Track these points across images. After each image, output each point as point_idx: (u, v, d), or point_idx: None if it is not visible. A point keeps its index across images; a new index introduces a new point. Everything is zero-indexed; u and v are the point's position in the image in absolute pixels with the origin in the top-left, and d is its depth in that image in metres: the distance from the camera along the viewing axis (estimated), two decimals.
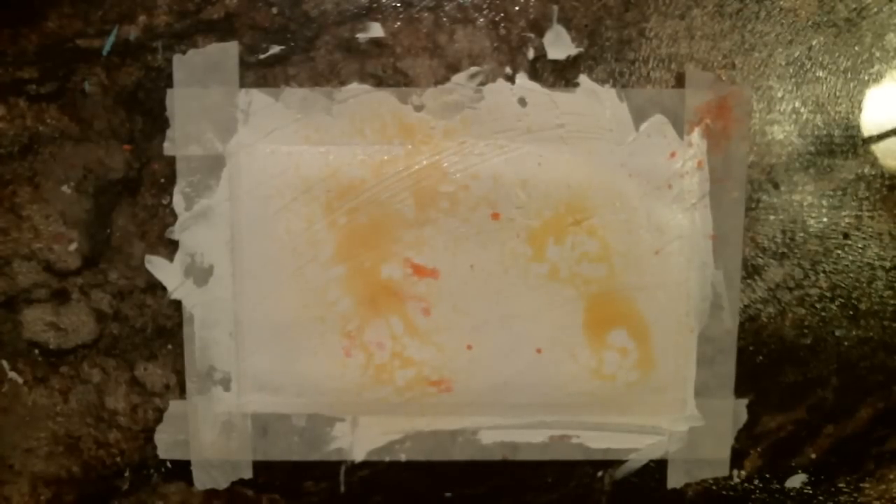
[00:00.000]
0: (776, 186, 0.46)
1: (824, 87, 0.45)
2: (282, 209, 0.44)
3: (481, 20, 0.44)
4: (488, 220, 0.45)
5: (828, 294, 0.47)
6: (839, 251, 0.46)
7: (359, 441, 0.47)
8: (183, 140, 0.44)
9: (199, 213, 0.45)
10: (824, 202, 0.46)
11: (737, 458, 0.48)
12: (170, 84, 0.44)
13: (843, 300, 0.47)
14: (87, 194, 0.45)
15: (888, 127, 0.45)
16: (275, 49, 0.44)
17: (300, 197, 0.44)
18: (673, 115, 0.44)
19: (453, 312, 0.45)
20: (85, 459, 0.48)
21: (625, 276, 0.45)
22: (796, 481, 0.48)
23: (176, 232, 0.45)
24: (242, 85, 0.44)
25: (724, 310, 0.46)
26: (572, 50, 0.44)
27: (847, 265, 0.46)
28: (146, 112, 0.44)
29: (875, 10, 0.44)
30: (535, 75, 0.44)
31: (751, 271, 0.46)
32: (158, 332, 0.46)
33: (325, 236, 0.45)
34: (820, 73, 0.45)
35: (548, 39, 0.44)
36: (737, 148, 0.44)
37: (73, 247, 0.45)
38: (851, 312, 0.47)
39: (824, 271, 0.46)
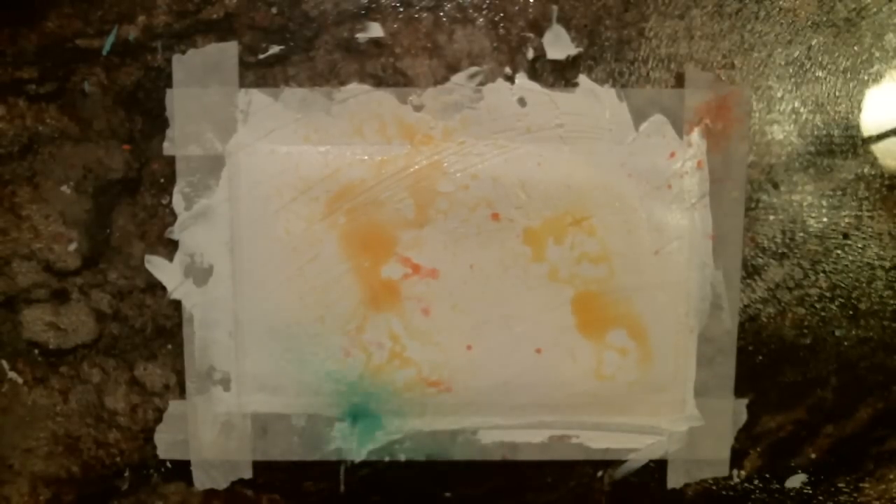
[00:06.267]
0: (776, 186, 0.46)
1: (824, 87, 0.45)
2: (281, 209, 0.44)
3: (481, 20, 0.44)
4: (488, 220, 0.45)
5: (827, 294, 0.47)
6: (839, 251, 0.46)
7: (358, 441, 0.47)
8: (182, 140, 0.44)
9: (199, 212, 0.45)
10: (824, 202, 0.46)
11: (736, 458, 0.48)
12: (169, 84, 0.44)
13: (842, 300, 0.47)
14: (86, 194, 0.45)
15: (888, 127, 0.45)
16: (274, 49, 0.44)
17: (300, 197, 0.44)
18: (672, 115, 0.44)
19: (453, 312, 0.45)
20: (84, 459, 0.48)
21: (624, 277, 0.45)
22: (796, 481, 0.48)
23: (175, 232, 0.45)
24: (242, 85, 0.44)
25: (723, 310, 0.46)
26: (572, 50, 0.44)
27: (847, 265, 0.46)
28: (146, 112, 0.44)
29: (874, 10, 0.44)
30: (534, 75, 0.44)
31: (750, 271, 0.46)
32: (158, 331, 0.46)
33: (325, 236, 0.45)
34: (819, 73, 0.45)
35: (547, 39, 0.44)
36: (736, 148, 0.44)
37: (72, 247, 0.45)
38: (851, 312, 0.47)
39: (824, 271, 0.46)
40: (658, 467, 0.48)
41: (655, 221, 0.45)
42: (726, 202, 0.45)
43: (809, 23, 0.44)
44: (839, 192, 0.46)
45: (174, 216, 0.45)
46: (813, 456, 0.48)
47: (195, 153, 0.44)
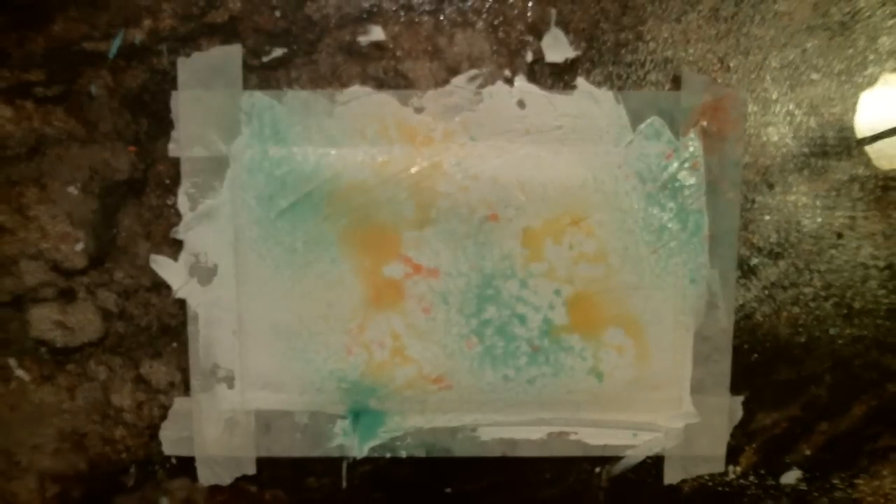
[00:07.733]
0: (771, 187, 0.46)
1: (818, 90, 0.45)
2: (284, 210, 0.45)
3: (480, 24, 0.44)
4: (487, 220, 0.45)
5: (822, 293, 0.47)
6: (833, 251, 0.47)
7: (360, 438, 0.47)
8: (187, 141, 0.44)
9: (204, 213, 0.45)
10: (818, 203, 0.46)
11: (732, 455, 0.48)
12: (174, 86, 0.44)
13: (837, 299, 0.47)
14: (93, 195, 0.46)
15: (881, 128, 0.46)
16: (277, 52, 0.44)
17: (302, 198, 0.45)
18: (669, 116, 0.44)
19: (453, 311, 0.46)
20: (91, 456, 0.48)
21: (622, 276, 0.46)
22: (791, 477, 0.49)
23: (180, 232, 0.45)
24: (245, 87, 0.44)
25: (719, 308, 0.46)
26: (570, 53, 0.44)
27: (841, 265, 0.47)
28: (151, 114, 0.45)
29: (868, 13, 0.45)
30: (533, 78, 0.44)
31: (746, 271, 0.47)
32: (163, 330, 0.47)
33: (327, 236, 0.45)
34: (814, 76, 0.45)
35: (546, 42, 0.44)
36: (732, 149, 0.45)
37: (79, 246, 0.46)
38: (845, 311, 0.47)
39: (818, 271, 0.47)
40: (655, 464, 0.48)
41: (652, 222, 0.45)
42: (722, 203, 0.45)
43: (804, 26, 0.45)
44: (833, 193, 0.46)
45: (179, 216, 0.45)
46: (808, 452, 0.49)
47: (200, 154, 0.44)
